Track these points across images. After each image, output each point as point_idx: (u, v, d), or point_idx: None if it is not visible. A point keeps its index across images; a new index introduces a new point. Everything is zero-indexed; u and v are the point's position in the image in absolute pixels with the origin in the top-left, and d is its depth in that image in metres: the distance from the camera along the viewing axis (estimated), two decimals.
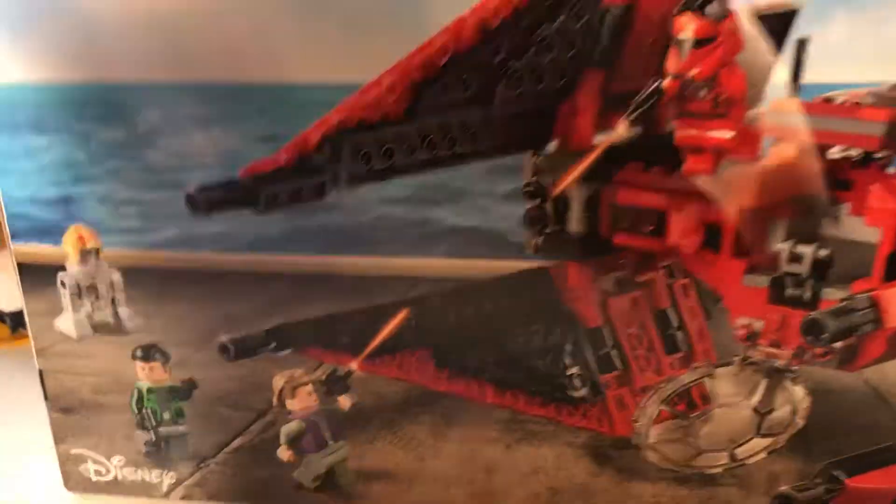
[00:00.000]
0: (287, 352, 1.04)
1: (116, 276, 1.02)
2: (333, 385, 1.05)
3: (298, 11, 0.89)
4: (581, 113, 0.90)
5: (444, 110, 0.90)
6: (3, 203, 1.01)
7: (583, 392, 1.02)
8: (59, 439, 1.14)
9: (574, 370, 1.01)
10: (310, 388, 1.06)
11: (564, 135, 0.92)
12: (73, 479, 1.15)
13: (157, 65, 0.92)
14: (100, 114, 0.95)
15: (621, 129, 0.88)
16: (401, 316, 1.00)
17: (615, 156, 0.90)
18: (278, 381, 1.06)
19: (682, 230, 0.93)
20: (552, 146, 0.93)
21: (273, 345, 1.03)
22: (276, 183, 0.94)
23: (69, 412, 1.12)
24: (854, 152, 0.90)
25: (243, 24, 0.88)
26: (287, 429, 1.08)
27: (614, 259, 0.97)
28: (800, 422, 1.00)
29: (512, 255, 0.96)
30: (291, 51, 0.90)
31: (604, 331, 1.00)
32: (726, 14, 0.85)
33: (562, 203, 0.94)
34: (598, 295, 0.99)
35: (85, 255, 1.01)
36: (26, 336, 1.70)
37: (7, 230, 1.02)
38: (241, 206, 0.95)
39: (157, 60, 0.92)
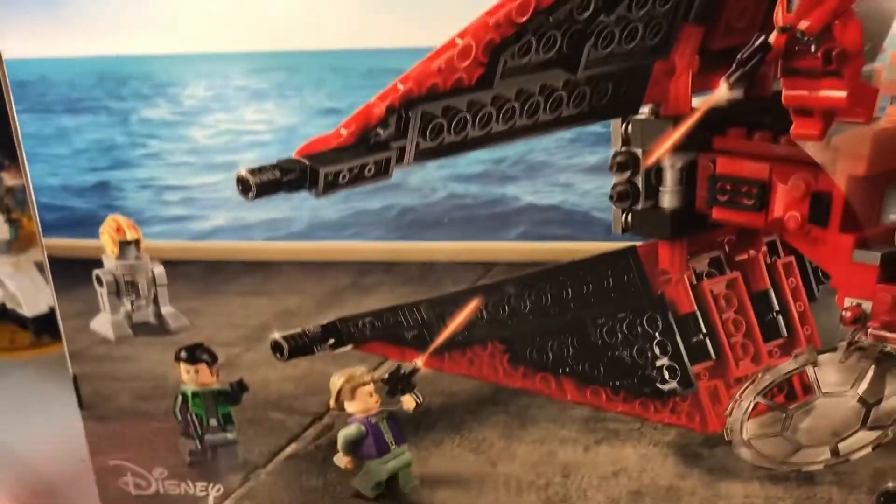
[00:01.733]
0: (346, 349, 0.95)
1: (159, 270, 0.93)
2: (397, 384, 0.96)
3: None
4: (677, 74, 0.82)
5: (523, 75, 0.82)
6: (33, 193, 0.92)
7: (672, 385, 0.93)
8: (95, 450, 1.05)
9: (663, 361, 0.93)
10: (371, 388, 0.97)
11: (658, 99, 0.83)
12: (111, 494, 1.07)
13: (203, 34, 0.84)
14: (140, 91, 0.86)
15: (722, 91, 0.79)
16: (472, 306, 0.92)
17: (714, 121, 0.82)
18: (336, 382, 0.97)
19: (786, 202, 0.84)
20: (644, 112, 0.85)
21: (331, 341, 0.94)
22: (336, 162, 0.86)
23: (106, 421, 1.03)
24: None
25: None
26: (345, 433, 0.99)
27: (710, 237, 0.89)
28: None
29: (596, 235, 0.87)
30: (352, 13, 0.82)
31: (697, 317, 0.92)
32: None
33: (654, 175, 0.86)
34: (691, 277, 0.90)
35: (124, 247, 0.92)
36: (50, 343, 1.62)
37: (37, 223, 0.94)
38: (297, 189, 0.87)
39: (203, 30, 0.84)
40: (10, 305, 1.43)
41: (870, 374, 0.90)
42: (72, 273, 0.96)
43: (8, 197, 1.51)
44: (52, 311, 1.47)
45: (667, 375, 0.94)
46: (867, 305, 0.87)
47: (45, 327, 1.41)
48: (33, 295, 1.40)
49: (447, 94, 0.83)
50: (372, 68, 0.82)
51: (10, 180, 1.52)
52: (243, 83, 0.84)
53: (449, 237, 0.88)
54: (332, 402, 0.99)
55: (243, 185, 0.86)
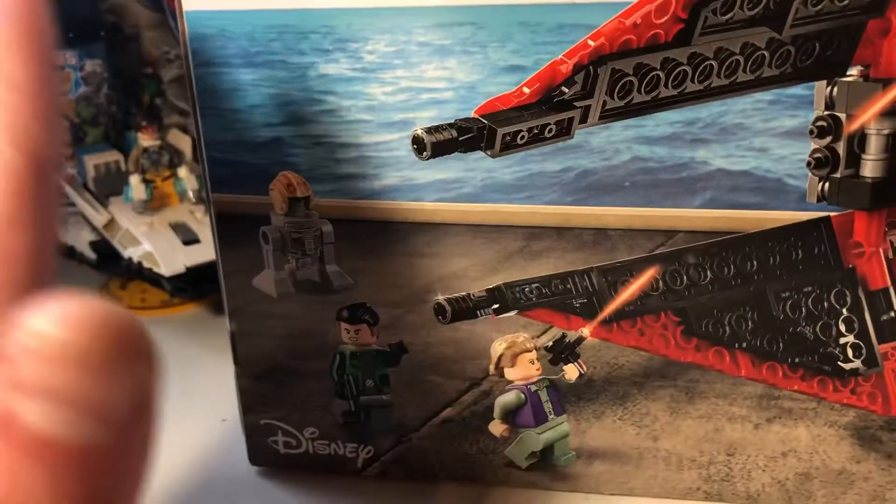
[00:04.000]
0: (511, 314, 0.93)
1: (327, 228, 0.92)
2: (561, 353, 0.94)
3: None
4: (893, 33, 0.77)
5: (724, 32, 0.78)
6: (204, 147, 0.92)
7: (856, 364, 0.89)
8: (247, 408, 1.06)
9: (848, 339, 0.88)
10: (533, 355, 0.95)
11: (869, 60, 0.78)
12: (260, 453, 1.07)
13: None
14: (321, 45, 0.85)
15: None
16: (648, 274, 0.88)
17: None
18: (498, 347, 0.95)
19: None
20: (853, 73, 0.80)
21: (495, 306, 0.92)
22: (515, 121, 0.83)
23: (261, 379, 1.03)
24: None
25: None
26: (503, 400, 0.97)
27: None
28: None
29: (788, 204, 0.83)
30: None
31: (890, 293, 0.87)
32: None
33: (858, 142, 0.81)
34: (887, 251, 0.86)
35: (294, 204, 0.91)
36: (181, 304, 1.65)
37: (206, 177, 0.94)
38: (474, 148, 0.85)
39: None
40: (146, 264, 1.45)
41: None
42: (236, 229, 0.96)
43: (143, 157, 1.54)
44: (188, 271, 1.49)
45: (850, 354, 0.89)
46: None
47: (181, 287, 1.43)
48: (170, 254, 1.41)
49: (641, 51, 0.79)
50: (562, 23, 0.79)
51: (146, 141, 1.54)
52: (426, 38, 0.82)
53: (629, 202, 0.85)
54: (491, 368, 0.97)
55: (418, 145, 0.84)
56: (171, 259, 1.42)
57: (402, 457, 1.03)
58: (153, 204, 1.52)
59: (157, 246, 1.44)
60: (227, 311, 1.01)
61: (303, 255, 0.95)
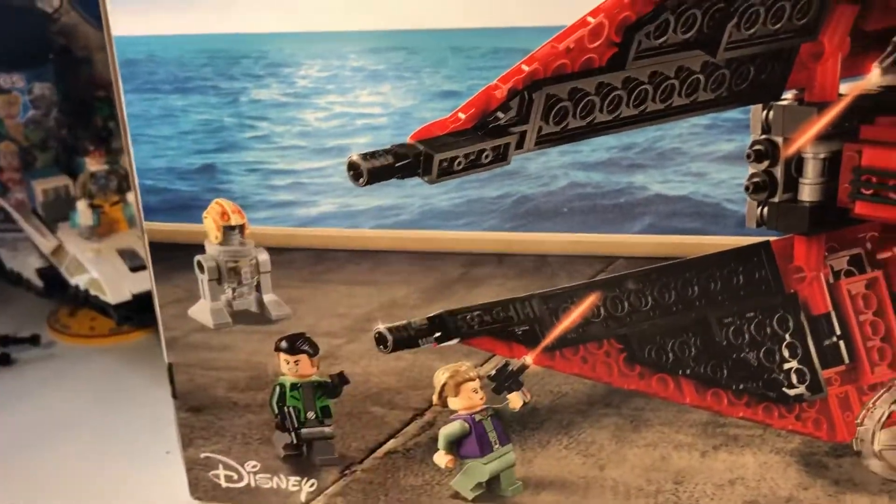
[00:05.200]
0: (453, 342, 0.91)
1: (263, 257, 0.90)
2: (504, 381, 0.92)
3: None
4: (826, 57, 0.76)
5: (659, 56, 0.77)
6: (136, 175, 0.90)
7: (800, 390, 0.88)
8: (187, 442, 1.03)
9: (792, 364, 0.87)
10: (476, 384, 0.93)
11: (803, 83, 0.78)
12: (201, 487, 1.04)
13: (319, 12, 0.80)
14: (250, 70, 0.83)
15: (874, 76, 0.74)
16: (589, 301, 0.87)
17: (863, 109, 0.76)
18: (441, 377, 0.93)
19: None
20: (788, 97, 0.79)
21: (437, 334, 0.90)
22: (452, 147, 0.82)
23: (200, 412, 1.01)
24: None
25: None
26: (447, 430, 0.95)
27: (851, 233, 0.83)
28: None
29: (728, 229, 0.82)
30: None
31: (831, 318, 0.86)
32: None
33: (795, 166, 0.80)
34: (827, 276, 0.85)
35: (228, 232, 0.89)
36: (130, 331, 1.61)
37: (139, 206, 0.91)
38: (410, 174, 0.83)
39: (319, 7, 0.80)
40: (92, 291, 1.42)
41: None
42: (171, 258, 0.93)
43: (90, 182, 1.51)
44: (135, 298, 1.46)
45: (795, 379, 0.88)
46: None
47: (128, 315, 1.39)
48: (116, 282, 1.38)
49: (575, 75, 0.78)
50: (497, 48, 0.78)
51: (93, 165, 1.51)
52: (360, 63, 0.80)
53: (568, 228, 0.83)
54: (435, 398, 0.95)
55: (355, 171, 0.82)
56: (118, 286, 1.38)
57: (346, 490, 1.01)
58: (101, 230, 1.49)
59: (103, 272, 1.41)
60: (164, 343, 0.98)
61: (239, 285, 0.93)
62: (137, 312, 1.39)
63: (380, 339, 0.91)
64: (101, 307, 1.43)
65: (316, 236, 0.88)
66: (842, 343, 0.86)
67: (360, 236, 0.87)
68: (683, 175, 0.80)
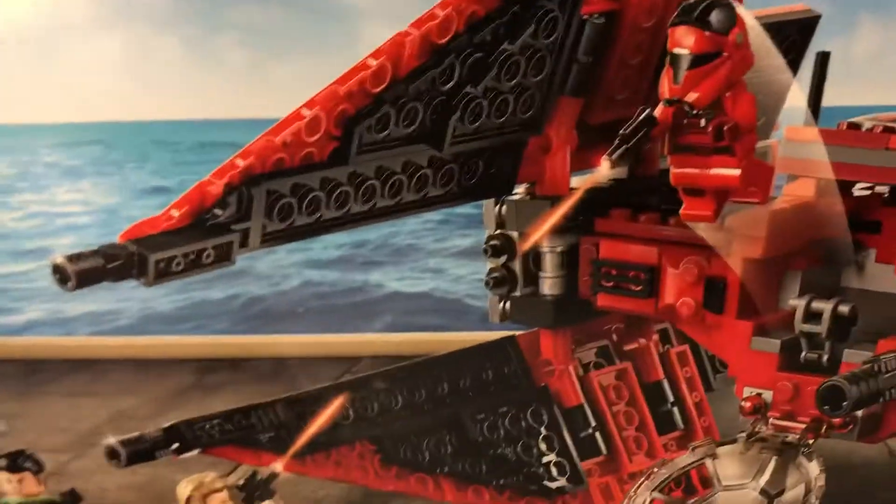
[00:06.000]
0: (193, 453, 0.83)
1: None
2: (254, 491, 0.85)
3: (190, 28, 0.69)
4: (554, 150, 0.73)
5: (383, 150, 0.72)
6: None
7: (561, 482, 0.85)
8: None
9: (551, 457, 0.84)
10: (224, 495, 0.85)
11: (534, 177, 0.75)
12: None
13: (8, 102, 0.71)
14: None
15: (604, 169, 0.71)
16: (336, 404, 0.81)
17: (596, 202, 0.74)
18: (184, 489, 0.85)
19: (677, 288, 0.76)
20: (519, 191, 0.76)
21: (175, 445, 0.83)
22: (168, 246, 0.74)
23: None
24: (883, 188, 0.76)
25: (116, 48, 0.69)
26: None
27: (596, 325, 0.81)
28: (815, 502, 0.86)
29: (473, 325, 0.78)
30: (182, 80, 0.70)
31: (585, 410, 0.83)
32: (732, 24, 0.69)
33: (533, 260, 0.77)
34: (577, 368, 0.82)
35: None
36: None
37: None
38: (124, 277, 0.75)
39: (8, 97, 0.71)
40: None
41: (771, 465, 0.83)
42: None
43: None
44: None
45: (555, 472, 0.85)
46: (767, 395, 0.80)
47: None
48: None
49: (296, 170, 0.72)
50: (202, 142, 0.71)
51: None
52: (53, 159, 0.72)
53: (306, 330, 0.77)
54: None
55: (61, 274, 0.73)
56: None
57: None
58: None
59: None
60: None
61: None
62: None
63: (111, 454, 0.83)
64: None
65: (26, 345, 0.78)
66: (598, 434, 0.84)
67: (75, 344, 0.78)
68: (421, 271, 0.75)
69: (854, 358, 0.76)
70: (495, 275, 0.77)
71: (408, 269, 0.76)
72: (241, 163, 0.72)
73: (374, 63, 0.69)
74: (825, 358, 0.77)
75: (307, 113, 0.71)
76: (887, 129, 0.73)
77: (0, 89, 0.70)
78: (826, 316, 0.75)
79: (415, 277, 0.77)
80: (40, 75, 0.68)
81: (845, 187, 0.76)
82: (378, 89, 0.69)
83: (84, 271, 0.74)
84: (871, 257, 0.77)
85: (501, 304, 0.78)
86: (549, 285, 0.78)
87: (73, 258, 0.74)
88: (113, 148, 0.72)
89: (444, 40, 0.69)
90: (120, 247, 0.74)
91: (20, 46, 0.71)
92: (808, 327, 0.76)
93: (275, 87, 0.70)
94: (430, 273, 0.77)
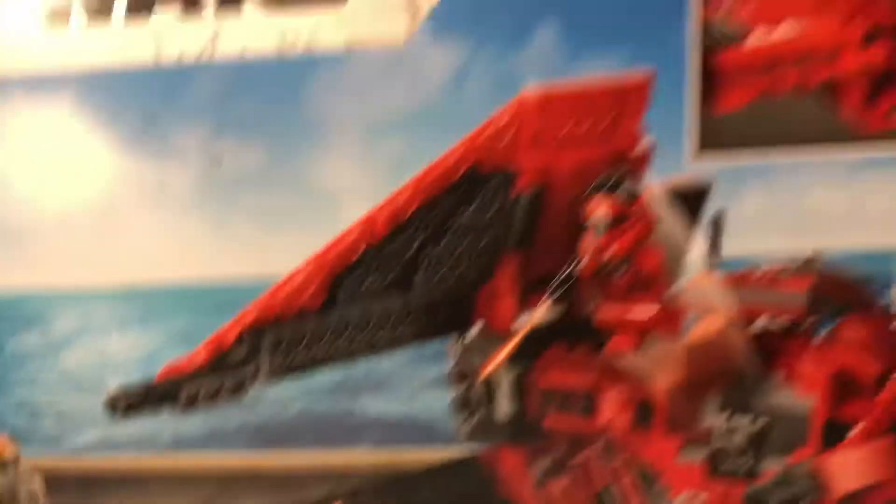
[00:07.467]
0: None
1: (36, 485, 0.97)
2: None
3: (208, 210, 0.89)
4: (501, 296, 0.89)
5: (363, 299, 0.89)
6: None
7: None
8: None
9: None
10: None
11: (487, 318, 0.91)
12: None
13: (69, 269, 0.91)
14: (10, 324, 0.93)
15: (542, 311, 0.87)
16: None
17: (540, 337, 0.89)
18: None
19: (612, 409, 0.90)
20: (476, 330, 0.92)
21: None
22: (194, 382, 0.92)
23: None
24: (780, 322, 0.89)
25: (151, 224, 0.89)
26: None
27: (547, 442, 0.94)
28: None
29: (443, 443, 0.92)
30: (204, 248, 0.90)
31: None
32: (637, 195, 0.85)
33: (489, 387, 0.92)
34: (533, 481, 0.95)
35: (3, 466, 0.97)
36: None
37: None
38: (160, 408, 0.93)
39: (69, 265, 0.91)
40: None
41: None
42: None
43: None
44: None
45: None
46: (701, 498, 0.91)
47: None
48: None
49: (293, 319, 0.89)
50: (225, 299, 0.89)
51: None
52: (106, 314, 0.91)
53: (305, 447, 0.93)
54: None
55: (111, 405, 0.91)
56: None
57: None
58: None
59: None
60: None
61: None
62: None
63: None
64: None
65: (84, 463, 0.95)
66: None
67: (122, 462, 0.95)
68: (398, 398, 0.91)
69: (773, 466, 0.87)
70: (459, 399, 0.93)
71: (388, 396, 0.91)
72: (251, 315, 0.90)
73: (352, 235, 0.88)
74: (744, 468, 0.88)
75: (301, 275, 0.89)
76: (777, 274, 0.88)
77: (67, 257, 0.90)
78: (742, 432, 0.87)
79: (394, 403, 0.91)
80: (90, 248, 0.87)
81: (747, 322, 0.90)
82: (356, 255, 0.88)
83: (129, 403, 0.92)
84: (778, 379, 0.90)
85: (465, 424, 0.93)
86: (503, 409, 0.92)
87: (120, 392, 0.91)
88: (155, 304, 0.91)
89: (406, 215, 0.87)
90: (158, 383, 0.92)
91: (84, 221, 0.91)
92: (726, 442, 0.89)
93: (277, 252, 0.88)
94: (407, 399, 0.92)
